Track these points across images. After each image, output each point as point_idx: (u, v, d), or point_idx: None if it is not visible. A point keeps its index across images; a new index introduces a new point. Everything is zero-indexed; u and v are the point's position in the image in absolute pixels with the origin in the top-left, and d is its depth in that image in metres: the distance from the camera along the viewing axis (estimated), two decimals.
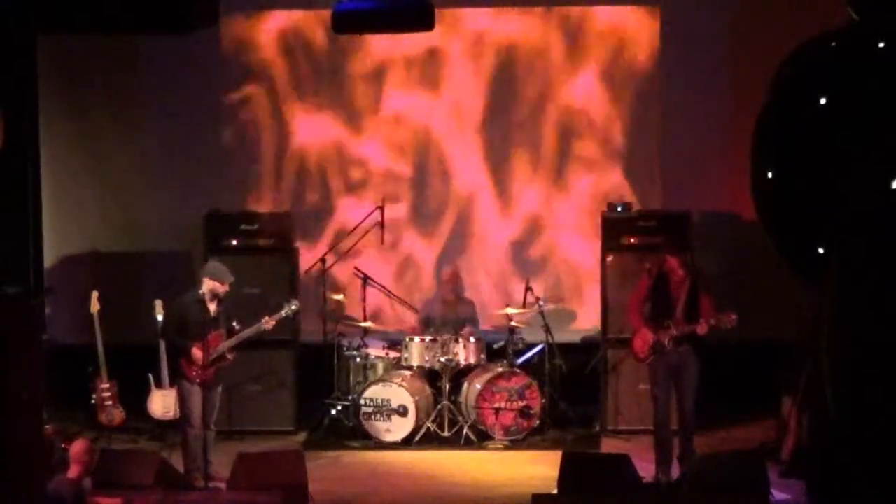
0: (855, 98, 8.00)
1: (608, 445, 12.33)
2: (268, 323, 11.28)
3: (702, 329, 11.07)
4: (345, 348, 12.99)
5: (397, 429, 12.51)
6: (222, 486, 10.65)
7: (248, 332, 11.25)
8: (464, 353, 12.68)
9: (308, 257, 13.37)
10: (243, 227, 13.08)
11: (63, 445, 11.75)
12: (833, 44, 8.30)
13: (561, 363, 12.93)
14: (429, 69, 13.81)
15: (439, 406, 12.66)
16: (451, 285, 13.19)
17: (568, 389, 13.01)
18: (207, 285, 11.18)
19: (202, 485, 10.94)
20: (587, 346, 13.37)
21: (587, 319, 13.60)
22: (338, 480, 11.46)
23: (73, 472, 9.34)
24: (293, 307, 11.58)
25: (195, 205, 13.40)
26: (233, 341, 11.20)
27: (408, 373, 12.81)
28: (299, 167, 13.92)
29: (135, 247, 13.85)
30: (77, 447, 9.44)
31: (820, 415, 9.90)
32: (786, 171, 8.22)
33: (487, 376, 12.60)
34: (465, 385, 12.74)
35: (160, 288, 12.79)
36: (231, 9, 13.32)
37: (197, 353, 11.04)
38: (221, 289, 11.19)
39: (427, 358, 12.70)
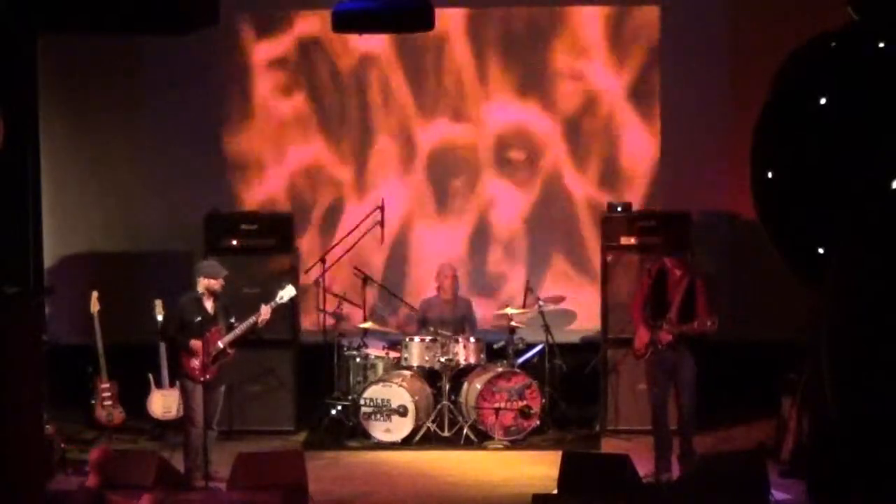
0: (855, 98, 8.01)
1: (608, 445, 12.33)
2: (265, 311, 11.24)
3: (686, 329, 11.07)
4: (345, 348, 12.98)
5: (397, 429, 12.51)
6: (222, 486, 10.65)
7: (245, 324, 11.25)
8: (464, 353, 12.67)
9: (308, 257, 13.37)
10: (243, 227, 13.07)
11: (63, 445, 11.78)
12: (833, 44, 8.31)
13: (561, 363, 12.93)
14: (428, 66, 13.80)
15: (439, 406, 12.65)
16: (446, 284, 13.16)
17: (568, 389, 13.00)
18: (203, 284, 11.23)
19: (202, 485, 10.95)
20: (587, 346, 13.35)
21: (587, 319, 13.59)
22: (338, 480, 11.46)
23: (91, 480, 9.26)
24: (288, 292, 11.46)
25: (195, 205, 13.38)
26: (231, 336, 11.21)
27: (408, 373, 12.80)
28: (300, 167, 13.90)
29: (135, 247, 13.84)
30: (94, 454, 9.32)
31: (820, 415, 9.90)
32: (786, 172, 8.23)
33: (487, 376, 12.60)
34: (465, 385, 12.74)
35: (160, 288, 12.78)
36: (231, 9, 13.31)
37: (197, 346, 11.06)
38: (216, 284, 11.23)
39: (427, 358, 12.70)
